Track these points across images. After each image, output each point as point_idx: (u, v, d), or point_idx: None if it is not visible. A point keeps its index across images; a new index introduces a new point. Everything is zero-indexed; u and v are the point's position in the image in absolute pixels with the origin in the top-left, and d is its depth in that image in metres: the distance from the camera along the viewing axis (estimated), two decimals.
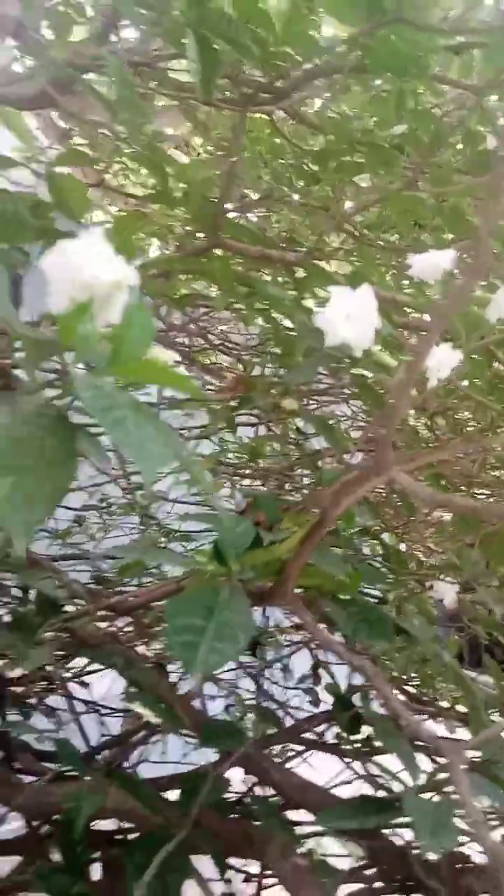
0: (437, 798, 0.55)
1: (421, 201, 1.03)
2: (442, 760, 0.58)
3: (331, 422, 0.76)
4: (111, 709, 1.27)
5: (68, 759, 0.78)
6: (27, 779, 0.93)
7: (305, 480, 1.21)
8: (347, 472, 0.71)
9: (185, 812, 0.70)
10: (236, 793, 0.90)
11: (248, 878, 0.87)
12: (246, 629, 0.49)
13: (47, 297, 0.39)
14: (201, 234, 0.94)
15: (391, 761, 0.78)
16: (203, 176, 0.94)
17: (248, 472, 1.09)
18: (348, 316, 0.57)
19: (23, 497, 0.32)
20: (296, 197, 1.13)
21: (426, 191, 0.98)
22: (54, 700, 1.16)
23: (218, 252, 0.84)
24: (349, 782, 0.96)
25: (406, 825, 0.72)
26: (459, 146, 1.02)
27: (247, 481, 1.13)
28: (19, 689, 1.10)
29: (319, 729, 1.05)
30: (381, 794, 0.77)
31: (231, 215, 1.00)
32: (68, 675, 1.19)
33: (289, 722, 1.09)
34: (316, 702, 1.35)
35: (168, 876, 0.65)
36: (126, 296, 0.40)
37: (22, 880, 1.00)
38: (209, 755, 0.82)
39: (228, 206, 1.05)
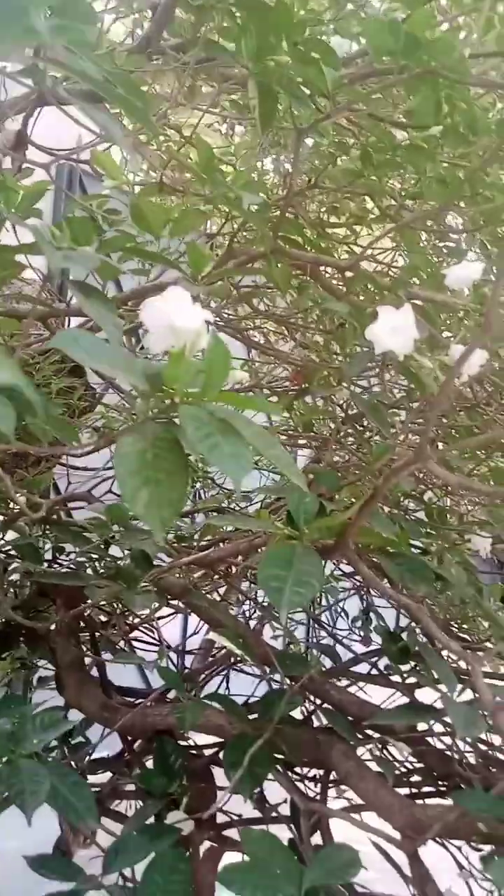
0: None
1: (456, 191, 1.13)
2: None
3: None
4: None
5: (171, 682, 0.96)
6: None
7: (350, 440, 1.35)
8: (394, 448, 0.85)
9: (267, 721, 0.88)
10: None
11: (314, 779, 1.06)
12: (318, 578, 0.64)
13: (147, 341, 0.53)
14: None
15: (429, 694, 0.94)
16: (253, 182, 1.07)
17: (302, 441, 1.24)
18: (393, 329, 0.70)
19: (157, 502, 0.44)
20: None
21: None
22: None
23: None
24: None
25: (448, 733, 0.89)
26: None
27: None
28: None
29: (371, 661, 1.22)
30: None
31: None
32: (137, 620, 1.38)
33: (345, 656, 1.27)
34: (366, 640, 1.53)
35: (256, 768, 0.83)
36: (207, 335, 0.52)
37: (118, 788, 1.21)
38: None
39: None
